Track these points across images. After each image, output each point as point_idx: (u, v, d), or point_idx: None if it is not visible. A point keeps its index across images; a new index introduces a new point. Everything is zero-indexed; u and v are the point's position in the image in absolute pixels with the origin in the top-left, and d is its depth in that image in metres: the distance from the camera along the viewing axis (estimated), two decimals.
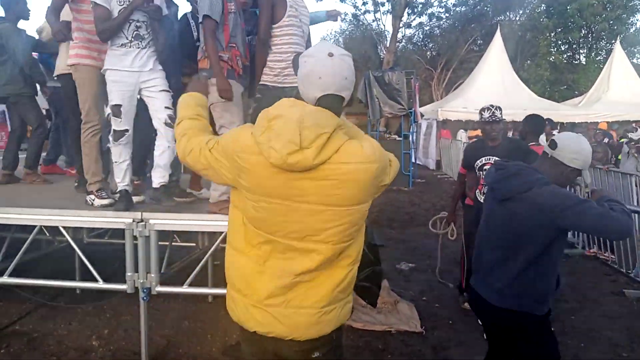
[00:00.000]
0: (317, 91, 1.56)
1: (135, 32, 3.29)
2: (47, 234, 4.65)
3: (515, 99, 15.86)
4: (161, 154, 3.41)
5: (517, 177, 2.34)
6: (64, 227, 3.55)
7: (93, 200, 3.54)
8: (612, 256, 6.05)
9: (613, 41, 19.86)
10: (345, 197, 1.55)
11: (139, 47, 3.31)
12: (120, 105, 3.28)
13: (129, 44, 3.29)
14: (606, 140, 8.82)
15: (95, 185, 3.58)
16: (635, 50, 25.10)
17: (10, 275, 3.48)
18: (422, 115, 16.08)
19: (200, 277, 4.73)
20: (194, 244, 4.35)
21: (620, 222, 2.13)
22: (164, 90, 3.40)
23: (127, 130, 3.34)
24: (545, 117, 11.20)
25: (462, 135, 16.10)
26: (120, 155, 3.39)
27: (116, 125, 3.33)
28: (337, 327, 1.72)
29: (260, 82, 3.48)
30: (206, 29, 3.17)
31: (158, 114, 3.40)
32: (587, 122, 15.34)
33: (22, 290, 4.26)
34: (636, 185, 5.40)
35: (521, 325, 2.39)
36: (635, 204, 5.43)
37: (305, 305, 1.64)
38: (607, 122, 14.63)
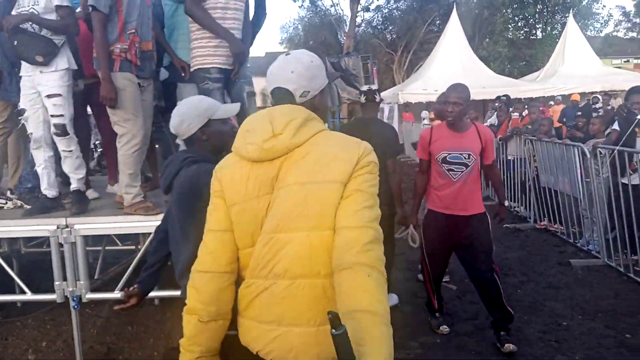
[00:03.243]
0: (268, 85, 1.61)
1: None
2: None
3: (474, 78, 16.01)
4: (63, 163, 3.38)
5: (169, 165, 2.16)
6: None
7: None
8: (562, 227, 6.17)
9: (567, 15, 20.17)
10: (318, 171, 1.44)
11: None
12: (24, 110, 3.22)
13: None
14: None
15: None
16: (588, 22, 25.61)
17: None
18: (382, 100, 16.09)
19: None
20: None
21: None
22: (50, 96, 3.22)
23: (31, 133, 3.30)
24: (503, 94, 11.36)
25: (425, 115, 16.11)
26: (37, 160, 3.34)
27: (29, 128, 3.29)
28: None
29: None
30: (93, 22, 3.06)
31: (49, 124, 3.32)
32: (545, 97, 15.65)
33: None
34: (579, 155, 5.48)
35: None
36: (579, 173, 5.52)
37: (299, 320, 1.44)
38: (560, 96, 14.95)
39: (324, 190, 1.42)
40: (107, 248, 4.77)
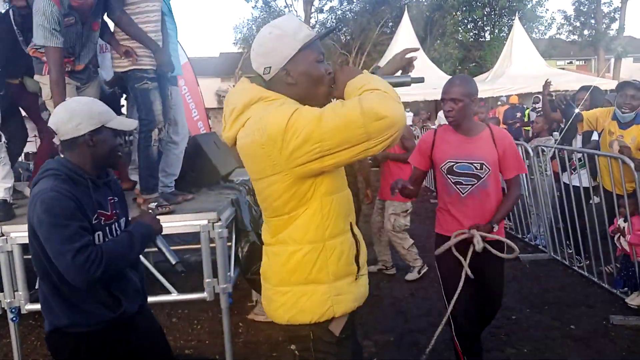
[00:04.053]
0: None
1: None
2: None
3: (426, 79, 15.97)
4: None
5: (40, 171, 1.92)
6: None
7: None
8: (510, 223, 6.35)
9: (513, 18, 20.85)
10: (252, 170, 1.59)
11: None
12: None
13: None
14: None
15: None
16: (533, 25, 26.59)
17: None
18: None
19: None
20: None
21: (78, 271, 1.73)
22: None
23: None
24: None
25: None
26: None
27: None
28: (304, 322, 1.62)
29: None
30: (50, 59, 2.93)
31: None
32: (494, 97, 16.14)
33: None
34: (523, 154, 5.65)
35: None
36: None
37: (265, 276, 1.72)
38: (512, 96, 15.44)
39: (265, 186, 1.57)
40: None
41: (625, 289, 4.16)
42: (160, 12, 3.29)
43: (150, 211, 3.16)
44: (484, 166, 2.71)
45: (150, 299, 3.30)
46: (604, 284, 4.41)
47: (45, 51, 2.94)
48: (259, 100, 1.54)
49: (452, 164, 2.76)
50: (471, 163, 2.72)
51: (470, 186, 2.74)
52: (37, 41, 2.93)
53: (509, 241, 2.69)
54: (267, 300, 1.73)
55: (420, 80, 1.85)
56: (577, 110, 4.84)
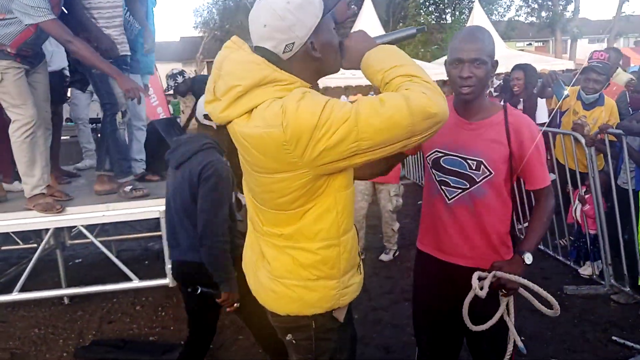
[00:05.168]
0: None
1: None
2: None
3: None
4: None
5: (187, 144, 2.42)
6: None
7: None
8: None
9: (474, 0, 21.09)
10: (257, 164, 1.38)
11: None
12: None
13: None
14: None
15: None
16: (493, 7, 26.99)
17: None
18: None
19: (56, 278, 4.40)
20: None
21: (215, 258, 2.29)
22: None
23: None
24: None
25: (344, 99, 16.27)
26: None
27: None
28: (307, 314, 1.53)
29: None
30: (56, 31, 2.87)
31: None
32: None
33: None
34: None
35: None
36: None
37: (261, 264, 1.60)
38: None
39: (272, 182, 1.39)
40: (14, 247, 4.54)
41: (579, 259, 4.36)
42: (120, 6, 3.34)
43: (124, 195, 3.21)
44: (481, 166, 1.86)
45: (113, 286, 3.31)
46: (558, 257, 4.60)
47: (47, 27, 2.83)
48: (270, 83, 1.30)
49: (440, 155, 1.94)
50: (464, 159, 1.88)
51: (459, 191, 1.91)
52: (29, 21, 2.81)
53: (547, 294, 1.80)
54: (263, 289, 1.59)
55: (422, 29, 1.78)
56: (566, 92, 4.91)
